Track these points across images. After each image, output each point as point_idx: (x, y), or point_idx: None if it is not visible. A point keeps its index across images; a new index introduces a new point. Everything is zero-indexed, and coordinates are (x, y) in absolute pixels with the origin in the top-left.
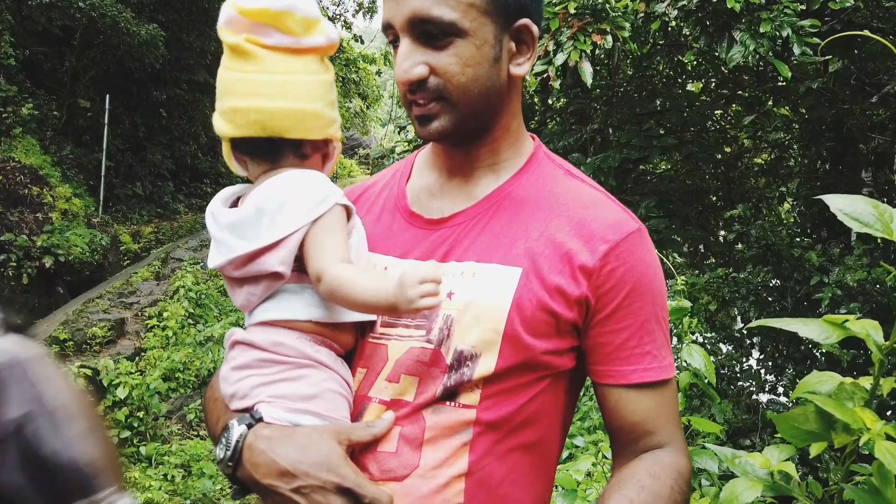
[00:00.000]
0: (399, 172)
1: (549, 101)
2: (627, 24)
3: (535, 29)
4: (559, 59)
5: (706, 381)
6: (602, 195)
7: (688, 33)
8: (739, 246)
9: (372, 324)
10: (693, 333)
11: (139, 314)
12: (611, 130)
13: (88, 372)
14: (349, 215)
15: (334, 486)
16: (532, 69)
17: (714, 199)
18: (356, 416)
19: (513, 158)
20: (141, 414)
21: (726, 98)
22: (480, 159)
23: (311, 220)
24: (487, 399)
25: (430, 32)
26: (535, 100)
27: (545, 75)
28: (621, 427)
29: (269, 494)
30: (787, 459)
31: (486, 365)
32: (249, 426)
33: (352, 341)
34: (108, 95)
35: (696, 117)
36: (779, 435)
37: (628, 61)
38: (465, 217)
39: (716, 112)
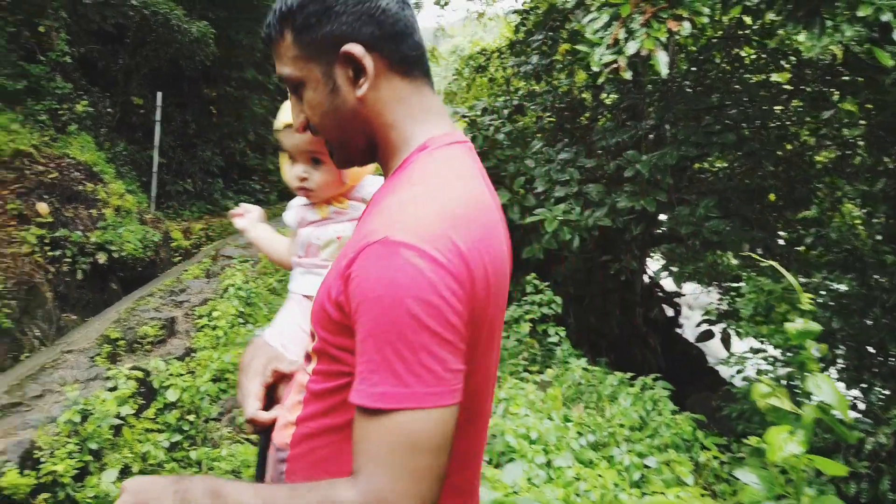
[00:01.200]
0: None
1: (601, 97)
2: (706, 10)
3: (357, 49)
4: (630, 47)
5: (836, 416)
6: (397, 202)
7: (773, 19)
8: (802, 248)
9: None
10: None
11: (189, 313)
12: (667, 127)
13: (140, 374)
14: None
15: (241, 384)
16: (363, 87)
17: (774, 198)
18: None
19: (394, 166)
20: (191, 417)
21: (789, 93)
22: (385, 171)
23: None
24: (315, 374)
25: (292, 87)
26: (585, 95)
27: (615, 65)
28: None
29: None
30: None
31: (313, 343)
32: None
33: None
34: (159, 93)
35: (759, 113)
36: None
37: (682, 55)
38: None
39: (775, 108)
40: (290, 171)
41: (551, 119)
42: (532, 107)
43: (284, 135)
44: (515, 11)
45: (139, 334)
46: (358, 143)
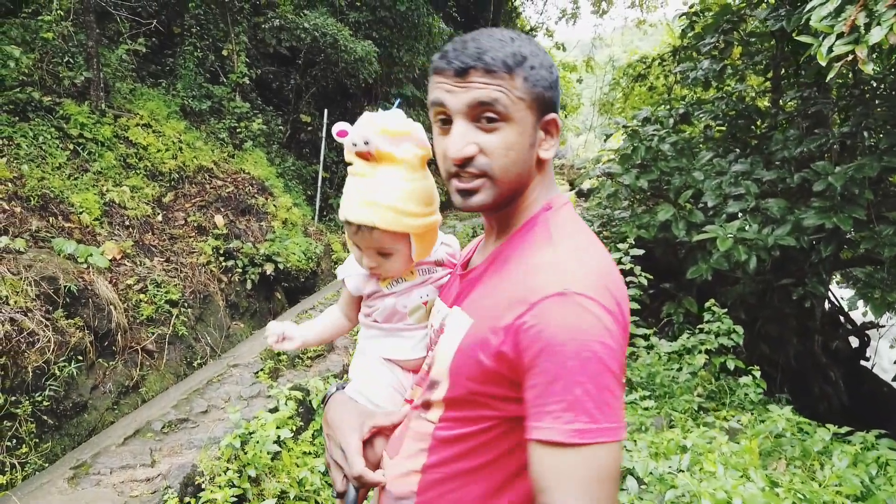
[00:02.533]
0: None
1: (780, 103)
2: None
3: (559, 122)
4: (875, 34)
5: None
6: (556, 260)
7: None
8: None
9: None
10: None
11: None
12: (865, 134)
13: (300, 395)
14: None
15: (338, 443)
16: (551, 151)
17: None
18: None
19: (519, 222)
20: None
21: None
22: (503, 223)
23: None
24: (444, 421)
25: (486, 117)
26: (761, 102)
27: (849, 58)
28: (531, 479)
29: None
30: None
31: (440, 392)
32: (338, 389)
33: (414, 366)
34: (325, 110)
35: None
36: None
37: (874, 55)
38: (475, 272)
39: None
40: (358, 257)
41: (721, 128)
42: (700, 115)
43: (351, 231)
44: (683, 14)
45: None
46: (515, 191)
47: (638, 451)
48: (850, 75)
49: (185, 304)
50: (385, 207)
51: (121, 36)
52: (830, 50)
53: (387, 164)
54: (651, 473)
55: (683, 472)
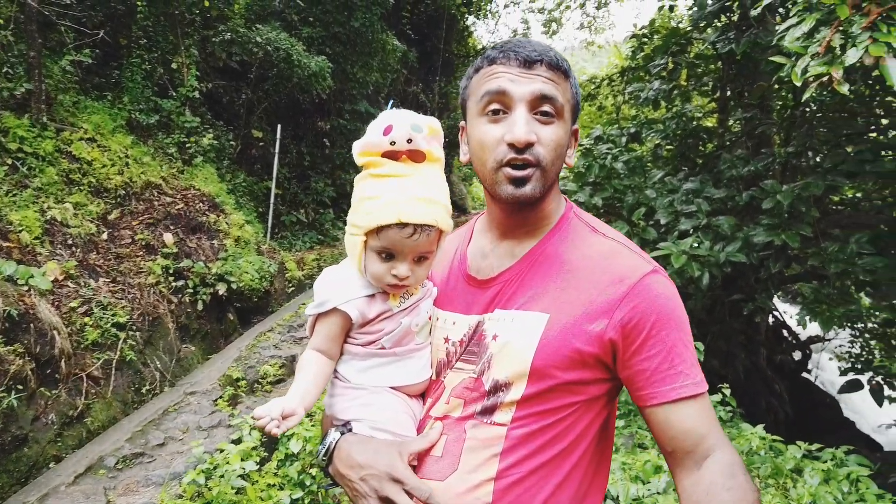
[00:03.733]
0: (462, 237)
1: (728, 124)
2: None
3: (578, 133)
4: (851, 56)
5: None
6: (620, 245)
7: None
8: None
9: (438, 371)
10: None
11: None
12: (810, 154)
13: None
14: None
15: (388, 476)
16: (573, 158)
17: None
18: (419, 431)
19: (549, 221)
20: (314, 471)
21: None
22: (529, 222)
23: (310, 315)
24: (518, 419)
25: (544, 110)
26: (709, 122)
27: (825, 78)
28: (674, 439)
29: (344, 481)
30: None
31: (516, 392)
32: (342, 433)
33: (419, 390)
34: (279, 126)
35: None
36: None
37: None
38: (510, 274)
39: None
40: (384, 268)
41: (670, 147)
42: (650, 134)
43: (401, 235)
44: (633, 36)
45: (260, 373)
46: (551, 188)
47: (613, 473)
48: (791, 97)
49: (133, 327)
50: (442, 207)
51: (64, 46)
52: (805, 70)
53: (429, 164)
54: (632, 499)
55: (660, 494)
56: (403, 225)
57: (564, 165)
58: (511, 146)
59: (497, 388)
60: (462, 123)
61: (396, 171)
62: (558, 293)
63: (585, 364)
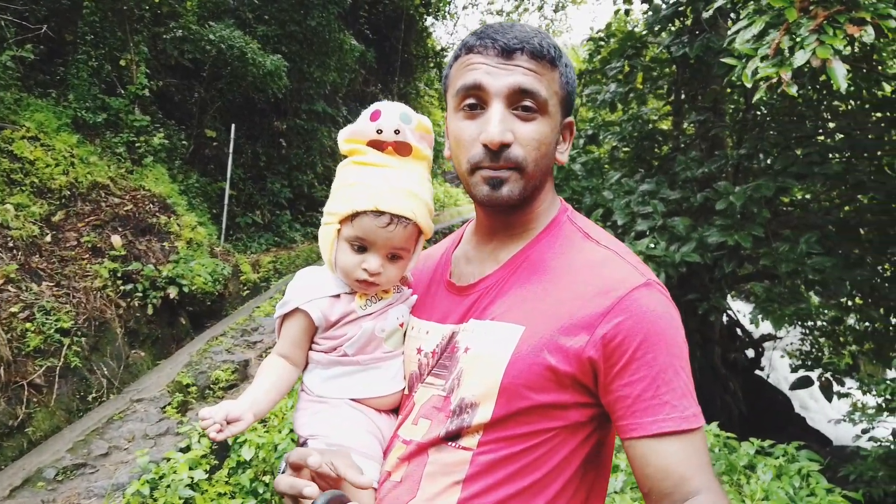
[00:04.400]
0: (451, 241)
1: (683, 126)
2: (895, 13)
3: (573, 126)
4: (799, 58)
5: None
6: (612, 254)
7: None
8: None
9: (410, 384)
10: None
11: (263, 354)
12: (761, 156)
13: None
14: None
15: (288, 460)
16: (566, 154)
17: (865, 233)
18: (387, 451)
19: (538, 224)
20: (267, 479)
21: (888, 121)
22: (515, 226)
23: (277, 317)
24: (486, 444)
25: (525, 105)
26: (664, 125)
27: (774, 80)
28: (651, 478)
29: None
30: None
31: (484, 413)
32: None
33: (388, 404)
34: (233, 125)
35: (868, 142)
36: None
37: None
38: (490, 281)
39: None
40: (355, 261)
41: (627, 149)
42: (607, 136)
43: (376, 224)
44: (590, 39)
45: (211, 379)
46: (536, 189)
47: None
48: (742, 101)
49: (78, 333)
50: (423, 202)
51: (5, 42)
52: (755, 72)
53: (415, 160)
54: None
55: (618, 493)
56: (380, 213)
57: (556, 163)
58: (486, 147)
59: (463, 408)
60: (446, 114)
61: (380, 161)
62: (536, 303)
63: (562, 385)
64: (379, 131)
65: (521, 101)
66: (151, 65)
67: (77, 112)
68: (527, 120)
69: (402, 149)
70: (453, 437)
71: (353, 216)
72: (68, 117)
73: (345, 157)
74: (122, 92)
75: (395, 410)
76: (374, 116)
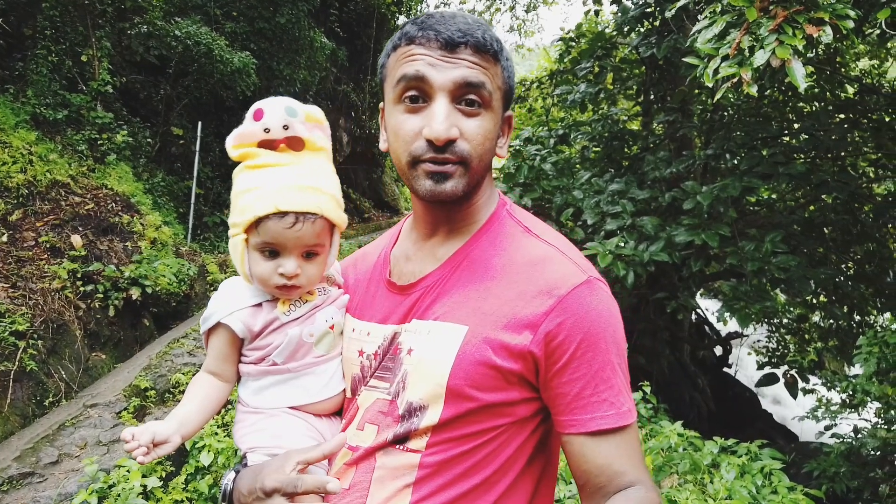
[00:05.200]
0: (389, 239)
1: (652, 126)
2: (852, 13)
3: (512, 120)
4: (759, 57)
5: None
6: (554, 250)
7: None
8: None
9: (353, 388)
10: None
11: None
12: (727, 156)
13: None
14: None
15: (263, 491)
16: (505, 148)
17: (829, 232)
18: (332, 457)
19: (478, 218)
20: None
21: (850, 122)
22: (455, 221)
23: (202, 333)
24: (434, 445)
25: (470, 99)
26: (634, 125)
27: (735, 80)
28: (587, 473)
29: None
30: None
31: (431, 416)
32: (237, 472)
33: (328, 408)
34: (199, 123)
35: (831, 142)
36: None
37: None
38: (431, 279)
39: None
40: (269, 268)
41: (597, 149)
42: (577, 136)
43: (281, 226)
44: (560, 40)
45: (171, 382)
46: (478, 184)
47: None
48: (710, 102)
49: (35, 336)
50: (327, 195)
51: None
52: (717, 72)
53: (311, 153)
54: None
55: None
56: (283, 214)
57: (496, 157)
58: (430, 143)
59: (411, 411)
60: (381, 105)
61: (274, 161)
62: (480, 302)
63: (508, 383)
64: (266, 130)
65: (465, 96)
66: (115, 61)
67: (36, 108)
68: (471, 115)
69: (295, 144)
70: (401, 440)
71: (257, 223)
72: (27, 114)
73: (237, 163)
74: (84, 88)
75: (337, 413)
76: (258, 116)
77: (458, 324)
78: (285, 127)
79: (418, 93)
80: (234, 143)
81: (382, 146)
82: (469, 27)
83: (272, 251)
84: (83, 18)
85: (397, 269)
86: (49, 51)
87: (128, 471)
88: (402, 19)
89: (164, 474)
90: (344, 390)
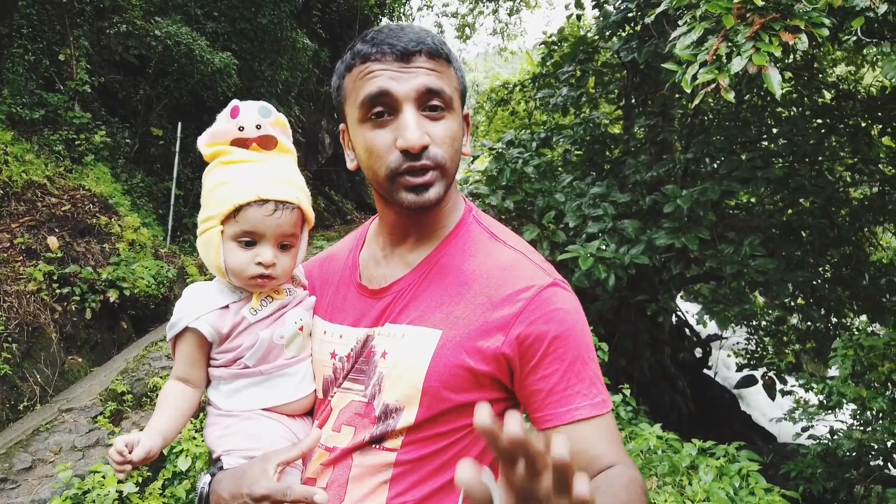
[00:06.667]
0: (355, 242)
1: (633, 130)
2: (827, 21)
3: (470, 118)
4: (736, 64)
5: None
6: (520, 255)
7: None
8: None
9: (325, 389)
10: None
11: None
12: (707, 160)
13: None
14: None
15: (251, 497)
16: (468, 146)
17: (806, 235)
18: (307, 458)
19: (447, 223)
20: None
21: (827, 127)
22: (426, 226)
23: (168, 340)
24: (409, 444)
25: (433, 104)
26: (615, 129)
27: (713, 86)
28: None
29: None
30: None
31: (407, 417)
32: (213, 475)
33: (300, 409)
34: (179, 123)
35: (809, 147)
36: None
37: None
38: (402, 284)
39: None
40: (246, 257)
41: (579, 152)
42: (559, 140)
43: (261, 214)
44: (542, 43)
45: (149, 386)
46: (452, 182)
47: None
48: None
49: (9, 339)
50: (302, 189)
51: None
52: (695, 77)
53: (281, 153)
54: None
55: None
56: (263, 201)
57: (462, 156)
58: (405, 153)
59: (388, 413)
60: (343, 127)
61: (249, 158)
62: (452, 308)
63: (480, 385)
64: (241, 128)
65: (428, 102)
66: (94, 60)
67: (12, 108)
68: (437, 119)
69: (267, 143)
70: (377, 440)
71: (236, 211)
72: (2, 113)
73: (208, 162)
74: (62, 88)
75: (308, 413)
76: (234, 113)
77: (431, 328)
78: (258, 126)
79: (384, 108)
80: (208, 142)
81: (351, 165)
82: (419, 36)
83: (250, 241)
84: (61, 17)
85: (367, 273)
86: (26, 49)
87: (103, 476)
88: (384, 21)
89: (140, 480)
90: (315, 391)
